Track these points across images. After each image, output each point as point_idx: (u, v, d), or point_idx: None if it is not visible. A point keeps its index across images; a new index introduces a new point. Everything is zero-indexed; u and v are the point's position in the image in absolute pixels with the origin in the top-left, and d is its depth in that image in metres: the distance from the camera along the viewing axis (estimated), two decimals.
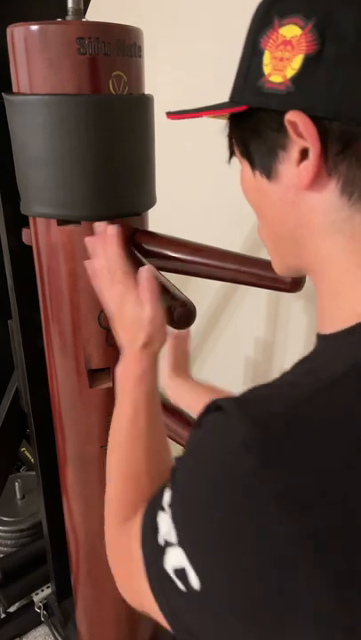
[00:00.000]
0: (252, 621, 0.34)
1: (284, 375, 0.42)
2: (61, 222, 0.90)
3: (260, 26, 0.41)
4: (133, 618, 1.33)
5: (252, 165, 0.45)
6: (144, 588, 0.42)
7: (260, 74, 0.41)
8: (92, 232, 0.91)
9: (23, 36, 0.81)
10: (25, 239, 1.08)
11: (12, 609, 1.64)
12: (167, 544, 0.39)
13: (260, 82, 0.41)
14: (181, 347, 0.97)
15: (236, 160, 0.49)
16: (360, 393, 0.35)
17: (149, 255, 0.95)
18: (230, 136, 0.47)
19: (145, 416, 0.64)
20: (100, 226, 0.73)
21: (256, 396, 0.38)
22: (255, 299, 1.63)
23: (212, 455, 0.36)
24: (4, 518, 1.78)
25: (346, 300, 0.42)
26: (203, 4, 1.75)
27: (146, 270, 0.67)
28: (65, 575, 1.40)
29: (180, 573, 0.37)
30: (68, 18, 0.86)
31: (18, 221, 1.04)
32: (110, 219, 0.91)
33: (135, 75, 0.88)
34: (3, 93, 0.87)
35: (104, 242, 0.70)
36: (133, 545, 0.45)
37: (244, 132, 0.44)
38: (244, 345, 1.71)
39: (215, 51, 1.74)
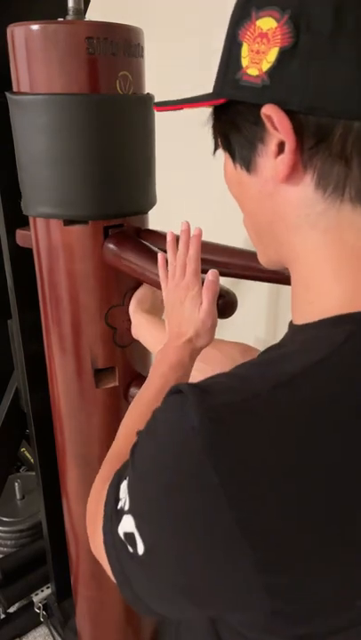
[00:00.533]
0: (186, 592, 0.38)
1: (251, 361, 0.43)
2: (68, 222, 0.90)
3: (239, 18, 0.41)
4: (134, 618, 1.33)
5: (233, 158, 0.45)
6: (97, 546, 0.46)
7: (239, 66, 0.40)
8: (97, 232, 0.90)
9: (25, 35, 0.81)
10: (19, 241, 1.08)
11: (11, 609, 1.64)
12: (122, 510, 0.42)
13: (238, 74, 0.40)
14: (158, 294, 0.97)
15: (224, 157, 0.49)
16: (314, 392, 0.36)
17: None
18: (213, 128, 0.47)
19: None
20: (185, 224, 0.76)
21: (215, 383, 0.39)
22: (256, 298, 1.63)
23: (165, 435, 0.38)
24: (4, 518, 1.78)
25: (316, 296, 0.42)
26: (201, 4, 1.75)
27: (212, 273, 0.71)
28: (65, 576, 1.40)
29: (130, 538, 0.40)
30: (69, 17, 0.86)
31: (18, 222, 1.04)
32: (117, 217, 0.92)
33: (138, 74, 0.88)
34: (7, 93, 0.87)
35: (187, 240, 0.74)
36: (101, 506, 0.47)
37: (225, 125, 0.44)
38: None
39: (215, 50, 1.74)
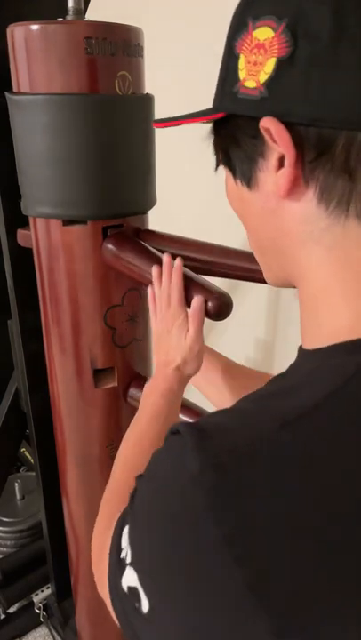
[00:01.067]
0: None
1: (256, 393, 0.40)
2: (67, 222, 0.90)
3: (236, 29, 0.40)
4: None
5: (233, 174, 0.43)
6: (104, 592, 0.43)
7: (236, 79, 0.39)
8: (97, 233, 0.90)
9: (25, 35, 0.81)
10: (20, 241, 1.08)
11: (11, 609, 1.64)
12: (124, 562, 0.38)
13: (235, 87, 0.39)
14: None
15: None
16: (322, 434, 0.33)
17: None
18: (213, 143, 0.45)
19: (161, 423, 0.66)
20: (166, 257, 0.77)
21: (216, 424, 0.36)
22: (256, 299, 1.63)
23: (165, 482, 0.36)
24: (4, 519, 1.78)
25: (324, 317, 0.40)
26: (201, 4, 1.75)
27: (197, 300, 0.73)
28: (65, 576, 1.40)
29: (134, 593, 0.37)
30: (69, 17, 0.86)
31: (18, 222, 1.04)
32: (116, 217, 0.91)
33: (138, 75, 0.88)
34: (6, 93, 0.87)
35: (170, 271, 0.76)
36: (105, 552, 0.44)
37: (224, 140, 0.43)
38: (245, 345, 1.71)
39: (215, 49, 1.74)
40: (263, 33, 0.36)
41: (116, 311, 0.97)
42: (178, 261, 0.76)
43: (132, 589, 0.37)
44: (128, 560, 0.38)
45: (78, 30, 0.78)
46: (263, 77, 0.37)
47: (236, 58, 0.39)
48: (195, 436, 0.34)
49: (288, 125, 0.36)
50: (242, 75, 0.39)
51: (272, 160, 0.38)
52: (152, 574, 0.36)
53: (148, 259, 0.86)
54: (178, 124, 0.47)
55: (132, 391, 1.05)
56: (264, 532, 0.31)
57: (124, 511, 0.43)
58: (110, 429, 1.07)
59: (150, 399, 0.70)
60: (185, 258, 0.95)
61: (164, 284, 0.76)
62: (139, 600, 0.36)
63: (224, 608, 0.31)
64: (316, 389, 0.35)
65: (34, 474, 1.69)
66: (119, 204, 0.90)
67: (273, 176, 0.39)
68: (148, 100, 0.90)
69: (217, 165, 0.46)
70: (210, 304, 0.74)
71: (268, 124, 0.37)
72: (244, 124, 0.40)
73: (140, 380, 1.06)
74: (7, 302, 1.23)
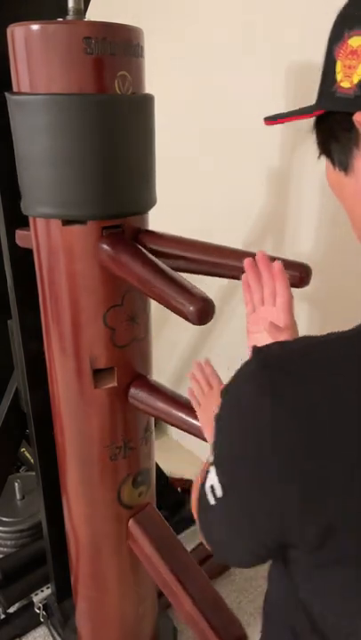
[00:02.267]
0: (253, 526, 0.48)
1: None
2: (66, 222, 0.90)
3: (334, 38, 0.47)
4: (133, 619, 1.33)
5: (332, 162, 0.51)
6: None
7: (334, 80, 0.47)
8: (96, 233, 0.90)
9: (25, 35, 0.81)
10: (19, 241, 1.08)
11: (11, 609, 1.64)
12: (207, 468, 0.53)
13: (333, 88, 0.47)
14: None
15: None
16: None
17: (154, 254, 0.95)
18: (316, 137, 0.54)
19: None
20: (260, 252, 0.78)
21: (276, 342, 0.48)
22: None
23: (233, 386, 0.48)
24: (4, 519, 1.78)
25: None
26: (201, 4, 1.75)
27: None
28: (65, 576, 1.40)
29: (212, 489, 0.51)
30: (69, 17, 0.86)
31: (18, 222, 1.04)
32: (116, 218, 0.91)
33: (138, 74, 0.88)
34: (6, 93, 0.87)
35: (268, 267, 0.77)
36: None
37: (324, 133, 0.51)
38: (244, 345, 1.71)
39: (216, 50, 1.74)
40: (356, 41, 0.45)
41: (116, 311, 0.97)
42: (278, 264, 0.75)
43: (211, 487, 0.51)
44: (210, 460, 0.51)
45: (78, 30, 0.78)
46: (356, 79, 0.45)
47: (334, 62, 0.47)
48: (257, 348, 0.46)
49: None
50: (339, 77, 0.47)
51: None
52: (223, 460, 0.49)
53: (140, 261, 0.86)
54: (287, 121, 0.56)
55: (133, 391, 1.05)
56: (313, 412, 0.41)
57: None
58: (110, 429, 1.07)
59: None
60: (186, 258, 0.95)
61: (267, 280, 0.76)
62: (215, 493, 0.50)
63: (264, 468, 0.43)
64: None
65: (34, 474, 1.69)
66: (118, 204, 0.90)
67: None
68: (147, 100, 0.90)
69: (319, 155, 0.54)
70: (191, 308, 0.74)
71: (360, 117, 0.44)
72: (340, 119, 0.47)
73: (140, 379, 1.06)
74: (7, 302, 1.23)
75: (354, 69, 0.44)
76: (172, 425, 1.03)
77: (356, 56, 0.44)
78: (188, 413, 0.99)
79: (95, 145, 0.83)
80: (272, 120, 0.58)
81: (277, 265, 0.76)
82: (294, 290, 0.91)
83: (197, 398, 0.86)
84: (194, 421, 0.97)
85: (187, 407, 0.99)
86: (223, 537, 0.55)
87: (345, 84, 0.46)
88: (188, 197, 1.98)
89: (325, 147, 0.51)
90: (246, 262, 0.78)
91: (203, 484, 0.54)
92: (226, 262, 0.90)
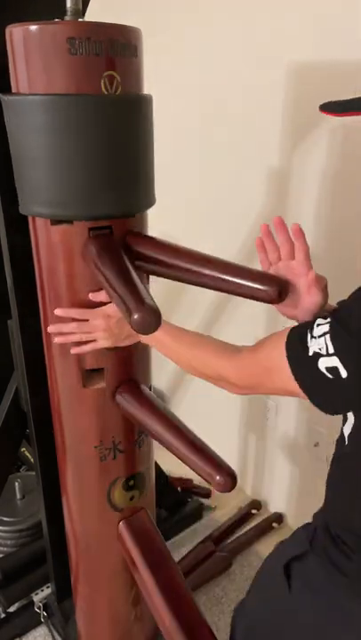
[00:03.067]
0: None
1: None
2: (55, 222, 0.90)
3: None
4: (128, 620, 1.33)
5: None
6: (276, 385, 0.76)
7: None
8: (82, 233, 0.90)
9: (19, 36, 0.81)
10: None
11: (11, 609, 1.64)
12: (320, 355, 0.66)
13: None
14: None
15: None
16: None
17: (138, 257, 0.94)
18: None
19: (187, 339, 0.95)
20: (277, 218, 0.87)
21: None
22: (255, 302, 1.62)
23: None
24: (4, 518, 1.78)
25: None
26: (203, 5, 1.75)
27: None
28: (65, 575, 1.40)
29: (333, 370, 0.65)
30: (67, 18, 0.86)
31: (18, 221, 1.04)
32: (103, 219, 0.91)
33: (130, 74, 0.87)
34: (0, 94, 0.87)
35: (284, 230, 0.87)
36: (267, 356, 0.77)
37: None
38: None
39: (217, 50, 1.74)
40: None
41: None
42: (296, 225, 0.84)
43: (331, 369, 0.65)
44: (331, 351, 0.65)
45: (61, 31, 0.78)
46: None
47: None
48: None
49: None
50: None
51: None
52: (352, 352, 0.63)
53: (114, 266, 0.85)
54: None
55: (118, 396, 1.05)
56: None
57: (295, 334, 0.73)
58: (98, 429, 1.07)
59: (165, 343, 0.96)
60: (166, 264, 0.94)
61: (283, 242, 0.86)
62: (337, 373, 0.64)
63: None
64: None
65: (34, 473, 1.69)
66: (105, 205, 0.89)
67: None
68: (140, 101, 0.89)
69: None
70: (135, 316, 0.73)
71: None
72: None
73: (129, 383, 1.06)
74: (7, 302, 1.23)
75: None
76: (149, 434, 1.03)
77: None
78: (165, 428, 0.98)
79: (77, 145, 0.83)
80: (336, 113, 0.65)
81: (296, 225, 0.84)
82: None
83: (107, 339, 0.96)
84: (169, 437, 0.97)
85: (165, 420, 0.99)
86: (338, 401, 0.71)
87: None
88: (188, 197, 1.98)
89: None
90: (262, 227, 0.88)
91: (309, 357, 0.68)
92: (210, 273, 0.89)
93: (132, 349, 1.04)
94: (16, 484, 1.83)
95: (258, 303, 0.88)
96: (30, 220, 0.96)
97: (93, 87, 0.82)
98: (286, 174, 1.62)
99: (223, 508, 2.09)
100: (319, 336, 0.67)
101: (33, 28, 0.79)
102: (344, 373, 0.63)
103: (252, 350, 0.83)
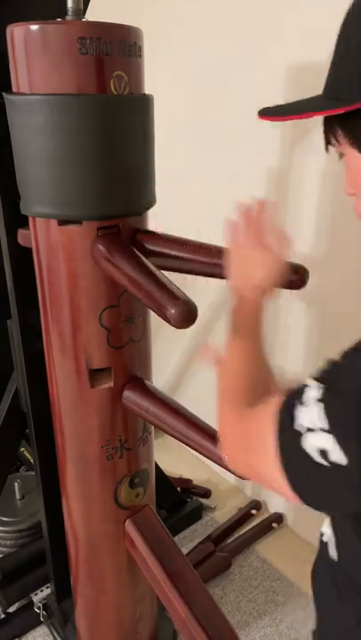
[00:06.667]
0: None
1: None
2: (62, 222, 0.90)
3: None
4: (130, 619, 1.33)
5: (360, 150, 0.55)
6: (264, 464, 0.55)
7: None
8: (91, 233, 0.90)
9: (23, 35, 0.81)
10: (21, 240, 1.08)
11: (11, 609, 1.64)
12: (308, 430, 0.50)
13: None
14: None
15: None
16: None
17: (151, 255, 0.95)
18: (329, 130, 0.58)
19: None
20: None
21: None
22: None
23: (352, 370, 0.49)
24: (4, 518, 1.78)
25: None
26: (203, 5, 1.75)
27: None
28: (64, 575, 1.40)
29: (323, 453, 0.48)
30: (68, 18, 0.86)
31: (18, 221, 1.04)
32: (111, 218, 0.91)
33: (135, 75, 0.88)
34: (4, 93, 0.87)
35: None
36: (256, 428, 0.58)
37: (354, 123, 0.54)
38: None
39: (217, 50, 1.74)
40: None
41: (112, 312, 0.98)
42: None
43: (322, 450, 0.48)
44: (325, 427, 0.48)
45: (72, 30, 0.78)
46: None
47: None
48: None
49: None
50: None
51: None
52: (351, 434, 0.47)
53: (131, 262, 0.86)
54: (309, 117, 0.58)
55: (126, 393, 1.05)
56: None
57: (286, 399, 0.54)
58: (106, 429, 1.07)
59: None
60: (184, 258, 0.95)
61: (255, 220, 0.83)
62: (327, 457, 0.48)
63: None
64: None
65: (34, 473, 1.69)
66: (114, 204, 0.90)
67: None
68: (145, 101, 0.90)
69: (327, 147, 0.60)
70: (172, 311, 0.73)
71: None
72: None
73: (136, 381, 1.06)
74: (7, 302, 1.23)
75: None
76: (162, 430, 1.03)
77: None
78: (178, 420, 0.98)
79: (88, 145, 0.83)
80: (276, 116, 0.62)
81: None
82: (293, 290, 0.91)
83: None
84: (183, 428, 0.97)
85: (177, 414, 0.99)
86: (331, 495, 0.53)
87: None
88: (188, 197, 1.98)
89: (355, 136, 0.55)
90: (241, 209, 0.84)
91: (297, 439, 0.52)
92: (221, 262, 0.90)
93: (137, 348, 1.04)
94: (16, 484, 1.83)
95: None
96: (31, 220, 0.96)
97: (103, 87, 0.82)
98: (286, 174, 1.62)
99: (223, 508, 2.09)
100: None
101: (40, 27, 0.79)
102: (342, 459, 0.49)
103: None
